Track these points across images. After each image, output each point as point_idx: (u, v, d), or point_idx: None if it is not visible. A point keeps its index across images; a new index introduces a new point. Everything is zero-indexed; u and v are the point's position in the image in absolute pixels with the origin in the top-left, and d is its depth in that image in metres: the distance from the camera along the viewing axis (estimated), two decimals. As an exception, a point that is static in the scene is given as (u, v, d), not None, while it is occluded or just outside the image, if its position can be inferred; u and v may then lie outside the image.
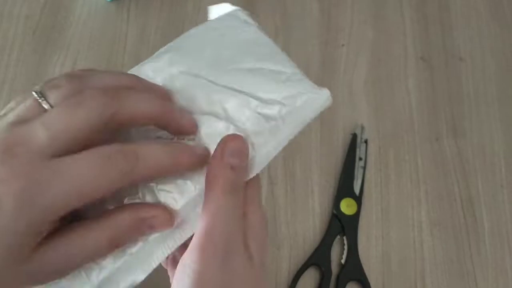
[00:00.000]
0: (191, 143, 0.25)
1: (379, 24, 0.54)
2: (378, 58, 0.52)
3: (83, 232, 0.22)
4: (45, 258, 0.21)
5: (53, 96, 0.21)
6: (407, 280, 0.43)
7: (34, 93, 0.21)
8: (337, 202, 0.45)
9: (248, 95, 0.26)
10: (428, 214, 0.45)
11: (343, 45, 0.53)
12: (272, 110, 0.26)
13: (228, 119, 0.25)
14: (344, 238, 0.44)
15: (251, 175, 0.25)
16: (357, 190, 0.45)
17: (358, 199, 0.45)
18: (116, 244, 0.23)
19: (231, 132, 0.25)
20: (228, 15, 0.30)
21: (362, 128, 0.48)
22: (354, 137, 0.47)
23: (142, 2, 0.54)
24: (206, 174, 0.23)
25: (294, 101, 0.26)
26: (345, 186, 0.46)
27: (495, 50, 0.53)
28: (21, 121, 0.20)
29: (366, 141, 0.47)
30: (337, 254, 0.44)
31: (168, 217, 0.23)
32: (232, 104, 0.26)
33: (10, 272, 0.20)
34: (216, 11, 0.31)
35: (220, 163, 0.23)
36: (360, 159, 0.47)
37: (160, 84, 0.26)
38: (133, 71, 0.28)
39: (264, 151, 0.25)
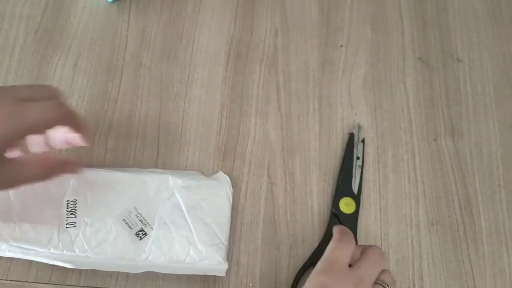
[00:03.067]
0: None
1: (378, 24, 0.54)
2: (376, 59, 0.52)
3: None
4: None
5: None
6: (405, 278, 0.44)
7: None
8: (336, 201, 0.45)
9: (189, 238, 0.41)
10: (426, 213, 0.46)
11: (341, 45, 0.53)
12: (185, 255, 0.41)
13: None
14: (343, 237, 0.44)
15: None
16: (355, 189, 0.46)
17: (357, 198, 0.45)
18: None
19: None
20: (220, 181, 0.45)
21: (359, 127, 0.48)
22: (351, 136, 0.48)
23: (143, 3, 0.54)
24: None
25: (199, 259, 0.41)
26: (343, 185, 0.46)
27: (493, 51, 0.53)
28: None
29: (363, 141, 0.48)
30: (336, 253, 0.44)
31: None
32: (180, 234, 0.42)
33: None
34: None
35: None
36: (358, 158, 0.47)
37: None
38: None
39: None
